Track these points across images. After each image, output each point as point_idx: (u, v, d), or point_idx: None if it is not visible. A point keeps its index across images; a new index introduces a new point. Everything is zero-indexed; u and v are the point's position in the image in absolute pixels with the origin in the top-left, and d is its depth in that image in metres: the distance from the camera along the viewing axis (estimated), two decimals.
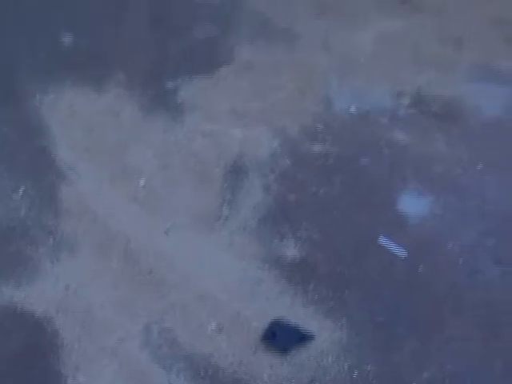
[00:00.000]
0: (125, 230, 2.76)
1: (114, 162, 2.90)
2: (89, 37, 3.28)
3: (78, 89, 3.10)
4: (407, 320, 2.57)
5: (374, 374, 2.45)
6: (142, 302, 2.62)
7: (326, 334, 2.56)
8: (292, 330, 2.56)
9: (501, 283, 2.65)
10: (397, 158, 2.88)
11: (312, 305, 2.62)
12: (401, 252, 2.69)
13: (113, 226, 2.78)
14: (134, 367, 2.48)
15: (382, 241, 2.69)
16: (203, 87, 2.99)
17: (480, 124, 3.02)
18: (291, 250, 2.66)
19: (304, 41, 3.19)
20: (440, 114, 3.04)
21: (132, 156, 2.89)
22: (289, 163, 2.81)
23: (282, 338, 2.54)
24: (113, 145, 2.93)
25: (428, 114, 3.03)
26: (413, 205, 2.78)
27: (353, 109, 3.01)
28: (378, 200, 2.78)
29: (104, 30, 3.27)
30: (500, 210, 2.79)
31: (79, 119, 3.03)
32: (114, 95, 3.03)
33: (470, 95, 3.10)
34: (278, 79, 3.03)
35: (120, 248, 2.73)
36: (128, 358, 2.49)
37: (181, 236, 2.70)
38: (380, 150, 2.89)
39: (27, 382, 2.49)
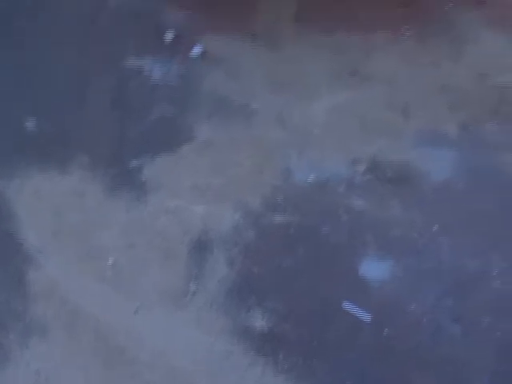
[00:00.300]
0: (94, 311, 2.85)
1: (82, 243, 3.00)
2: (51, 121, 3.41)
3: (42, 173, 3.22)
4: (375, 383, 2.69)
5: None
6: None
7: None
8: None
9: (463, 340, 2.80)
10: (356, 225, 3.05)
11: (282, 374, 2.73)
12: (365, 316, 2.82)
13: (82, 307, 2.87)
14: None
15: (347, 306, 2.83)
16: (165, 166, 3.15)
17: (431, 187, 3.22)
18: (259, 322, 2.78)
19: (260, 117, 3.38)
20: (394, 179, 3.23)
21: (99, 236, 3.00)
22: (252, 236, 2.95)
23: None
24: (79, 226, 3.04)
25: (383, 180, 3.22)
26: (374, 269, 2.94)
27: (311, 179, 3.19)
28: (340, 266, 2.93)
29: (66, 113, 3.42)
30: (456, 270, 2.96)
31: (45, 202, 3.14)
32: (78, 177, 3.16)
33: (420, 160, 3.32)
34: (237, 155, 3.21)
35: (90, 329, 2.81)
36: None
37: (150, 314, 2.80)
38: (339, 218, 3.05)
39: None
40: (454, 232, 3.09)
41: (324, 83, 3.61)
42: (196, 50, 3.75)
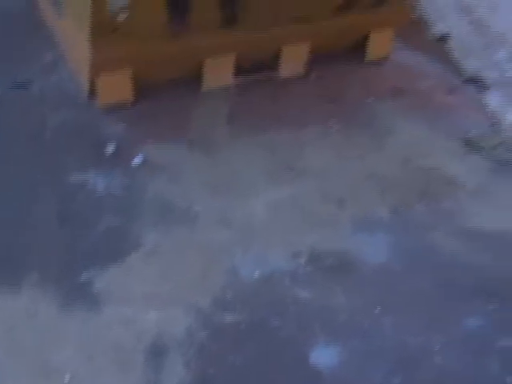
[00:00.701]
0: None
1: (37, 361, 3.11)
2: None
3: None
4: None
5: None
6: None
7: None
8: None
9: None
10: (303, 315, 3.29)
11: None
12: None
13: None
14: None
15: None
16: (115, 276, 3.34)
17: (371, 271, 3.51)
18: None
19: (203, 219, 3.65)
20: (335, 267, 3.51)
21: (54, 352, 3.12)
22: (205, 336, 3.14)
23: None
24: (34, 344, 3.15)
25: (324, 270, 3.49)
26: (323, 357, 3.15)
27: (257, 274, 3.43)
28: (291, 358, 3.13)
29: (12, 231, 3.59)
30: (400, 348, 3.21)
31: None
32: (29, 296, 3.30)
33: (357, 246, 3.62)
34: (184, 259, 3.44)
35: None
36: None
37: None
38: (287, 310, 3.29)
39: None
40: (396, 312, 3.36)
41: (261, 181, 3.93)
42: (137, 160, 4.03)
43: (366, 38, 5.01)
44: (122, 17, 3.81)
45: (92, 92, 4.40)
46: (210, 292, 3.32)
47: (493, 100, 3.04)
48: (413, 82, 4.81)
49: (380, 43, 5.05)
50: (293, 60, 4.73)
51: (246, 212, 3.72)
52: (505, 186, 3.96)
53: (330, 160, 4.08)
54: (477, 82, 3.06)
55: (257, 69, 4.69)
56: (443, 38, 3.18)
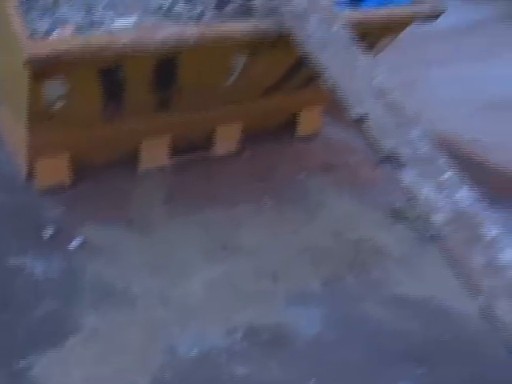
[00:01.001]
0: None
1: None
2: None
3: None
4: None
5: None
6: None
7: None
8: None
9: None
10: None
11: None
12: None
13: None
14: None
15: None
16: (54, 361, 3.42)
17: (304, 343, 3.69)
18: None
19: (142, 299, 3.79)
20: (270, 341, 3.68)
21: None
22: None
23: None
24: None
25: (260, 344, 3.66)
26: None
27: (194, 352, 3.57)
28: None
29: None
30: None
31: None
32: None
33: (291, 319, 3.81)
34: (123, 340, 3.55)
35: None
36: None
37: None
38: None
39: None
40: (330, 382, 3.53)
41: (197, 260, 4.11)
42: (75, 242, 4.17)
43: (296, 115, 5.36)
44: (58, 105, 4.01)
45: (30, 174, 4.55)
46: (148, 372, 3.43)
47: (408, 176, 3.36)
48: (341, 156, 5.15)
49: (309, 120, 5.40)
50: (226, 139, 5.01)
51: (183, 291, 3.88)
52: (428, 254, 4.25)
53: (263, 236, 4.30)
54: (392, 160, 3.38)
55: (192, 148, 4.95)
56: (361, 120, 3.51)
